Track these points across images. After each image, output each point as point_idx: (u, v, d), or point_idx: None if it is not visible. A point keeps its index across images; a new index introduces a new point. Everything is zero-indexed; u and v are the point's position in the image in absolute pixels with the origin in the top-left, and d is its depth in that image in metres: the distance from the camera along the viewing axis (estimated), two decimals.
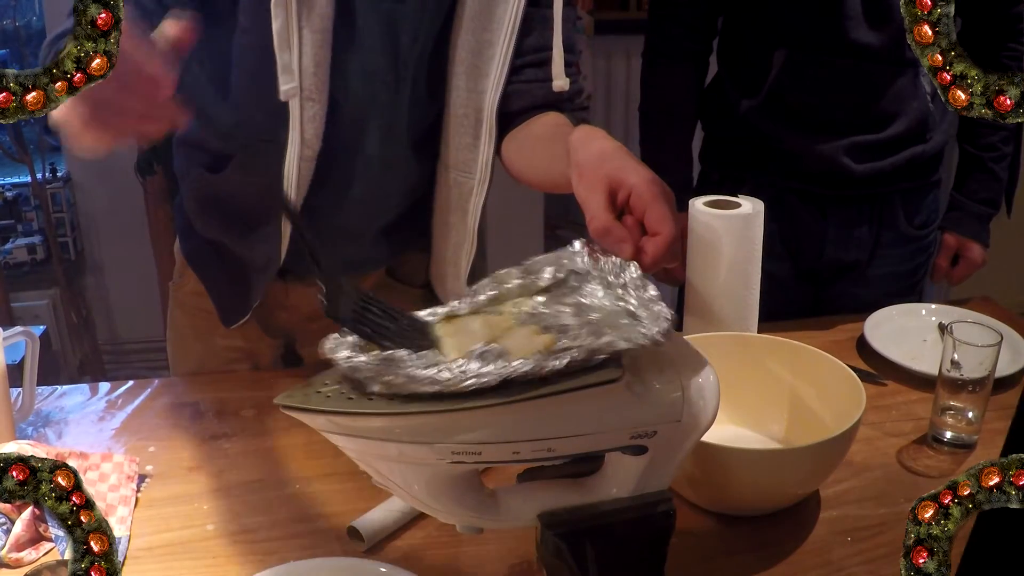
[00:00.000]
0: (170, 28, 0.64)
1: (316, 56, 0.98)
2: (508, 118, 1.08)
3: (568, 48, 1.07)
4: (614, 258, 0.70)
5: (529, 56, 1.06)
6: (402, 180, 1.14)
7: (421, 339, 0.65)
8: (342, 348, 0.62)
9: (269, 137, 1.02)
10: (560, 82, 1.06)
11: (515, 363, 0.59)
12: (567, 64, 1.07)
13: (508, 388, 0.59)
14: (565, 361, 0.60)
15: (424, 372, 0.59)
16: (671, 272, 1.48)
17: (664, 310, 0.63)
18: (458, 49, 1.05)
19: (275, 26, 0.94)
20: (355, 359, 0.61)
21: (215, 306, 1.21)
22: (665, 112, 1.54)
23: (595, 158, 0.78)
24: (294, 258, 1.12)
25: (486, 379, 0.58)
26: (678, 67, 1.52)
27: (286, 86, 0.97)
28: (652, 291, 0.66)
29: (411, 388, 0.59)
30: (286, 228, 1.09)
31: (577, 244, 0.72)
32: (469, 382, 0.58)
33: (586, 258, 0.71)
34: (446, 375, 0.58)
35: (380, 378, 0.60)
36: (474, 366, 0.59)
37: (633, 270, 0.69)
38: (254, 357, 1.26)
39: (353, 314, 0.65)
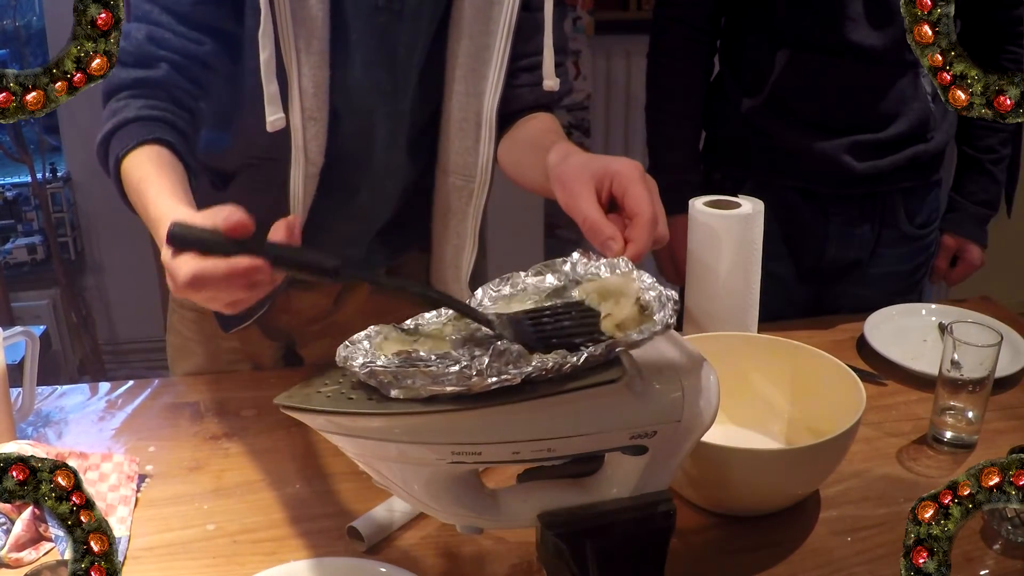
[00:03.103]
0: (230, 228, 0.67)
1: (315, 77, 0.98)
2: (501, 120, 1.09)
3: (558, 49, 1.08)
4: (604, 259, 0.71)
5: (522, 61, 1.08)
6: (400, 183, 1.14)
7: (590, 316, 0.66)
8: (357, 355, 0.62)
9: (273, 156, 1.02)
10: (550, 82, 1.07)
11: (536, 361, 0.59)
12: (557, 64, 1.08)
13: (520, 387, 0.59)
14: (583, 357, 0.60)
15: (447, 372, 0.58)
16: (677, 267, 1.49)
17: (665, 292, 0.64)
18: (456, 54, 1.06)
19: (262, 57, 0.94)
20: (372, 365, 0.60)
21: (214, 313, 1.20)
22: (671, 112, 1.54)
23: (577, 167, 0.81)
24: None
25: (508, 378, 0.58)
26: (683, 67, 1.53)
27: (272, 117, 0.96)
28: (647, 278, 0.66)
29: (432, 390, 0.59)
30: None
31: (576, 255, 0.73)
32: (492, 380, 0.58)
33: (581, 267, 0.72)
34: (470, 375, 0.58)
35: (400, 382, 0.60)
36: (495, 365, 0.58)
37: (623, 264, 0.69)
38: (254, 359, 1.26)
39: (536, 336, 0.64)
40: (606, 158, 0.80)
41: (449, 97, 1.08)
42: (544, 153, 0.89)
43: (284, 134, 0.99)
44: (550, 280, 0.72)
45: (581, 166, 0.80)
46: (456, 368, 0.58)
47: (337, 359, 0.63)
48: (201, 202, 1.16)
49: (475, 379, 0.58)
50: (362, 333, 0.66)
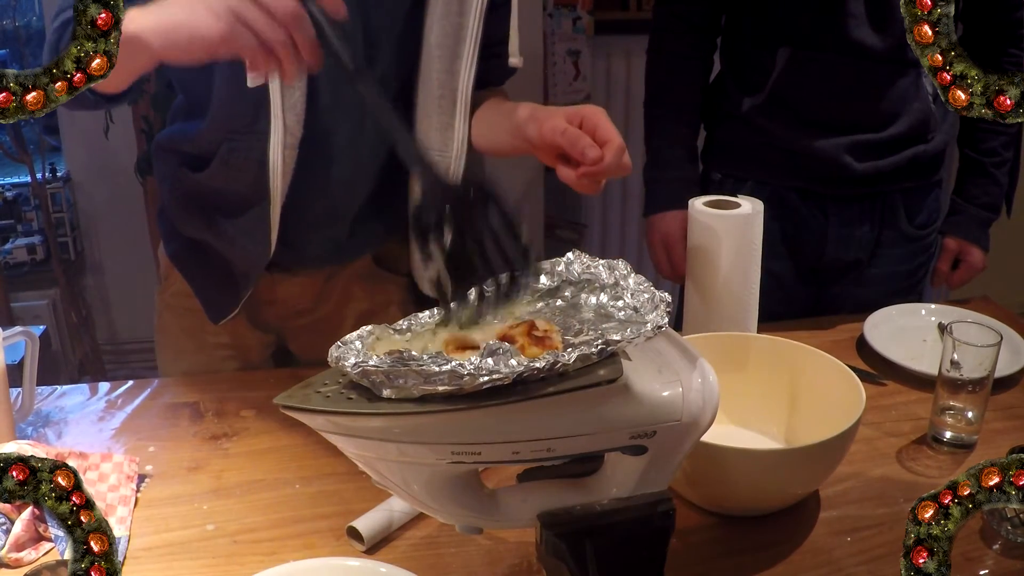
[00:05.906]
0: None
1: None
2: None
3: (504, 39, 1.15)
4: (602, 261, 0.71)
5: (491, 48, 1.14)
6: (376, 157, 1.16)
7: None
8: (349, 355, 0.62)
9: (250, 130, 1.04)
10: (515, 59, 1.16)
11: (526, 361, 0.59)
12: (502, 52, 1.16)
13: (516, 387, 0.59)
14: (575, 356, 0.60)
15: (438, 371, 0.59)
16: (673, 264, 1.49)
17: (659, 295, 0.65)
18: (433, 32, 1.09)
19: None
20: (364, 364, 0.60)
21: (202, 303, 1.21)
22: (670, 109, 1.54)
23: (551, 109, 0.95)
24: (281, 251, 1.13)
25: (500, 377, 0.58)
26: (682, 64, 1.53)
27: (252, 72, 0.98)
28: (644, 282, 0.67)
29: (424, 389, 0.59)
30: (274, 220, 1.10)
31: (570, 255, 0.73)
32: (483, 380, 0.58)
33: (578, 266, 0.72)
34: (462, 374, 0.58)
35: (392, 382, 0.60)
36: (488, 364, 0.58)
37: (622, 266, 0.70)
38: (244, 354, 1.26)
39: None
40: (574, 107, 0.93)
41: (427, 75, 1.11)
42: (509, 113, 1.01)
43: (262, 107, 1.01)
44: (543, 281, 0.72)
45: (555, 109, 0.94)
46: (448, 367, 0.58)
47: (329, 359, 0.63)
48: (179, 187, 1.17)
49: (466, 378, 0.58)
50: (355, 333, 0.66)
